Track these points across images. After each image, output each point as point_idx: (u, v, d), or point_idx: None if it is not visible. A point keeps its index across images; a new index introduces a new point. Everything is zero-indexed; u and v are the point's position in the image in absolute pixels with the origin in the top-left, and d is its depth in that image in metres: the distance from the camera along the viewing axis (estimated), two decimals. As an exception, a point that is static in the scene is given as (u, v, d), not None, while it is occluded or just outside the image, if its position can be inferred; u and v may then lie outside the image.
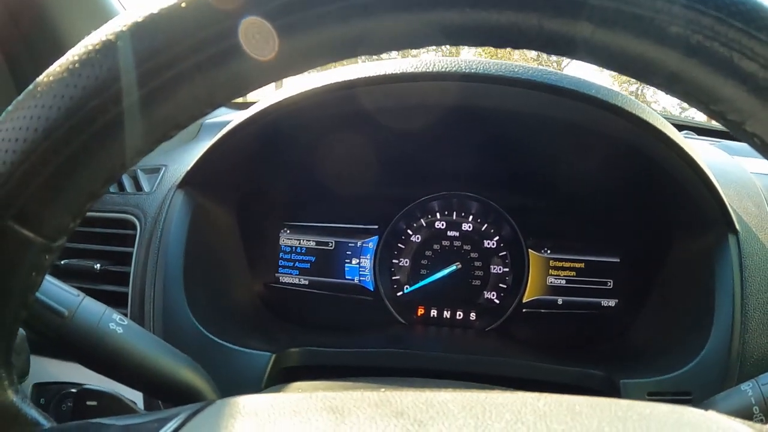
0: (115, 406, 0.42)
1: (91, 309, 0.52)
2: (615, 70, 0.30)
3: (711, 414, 0.32)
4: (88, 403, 0.42)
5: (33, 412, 0.35)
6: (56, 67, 0.30)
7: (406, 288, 1.04)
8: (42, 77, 0.30)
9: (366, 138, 0.88)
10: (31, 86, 0.30)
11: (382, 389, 0.33)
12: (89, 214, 0.92)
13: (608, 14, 0.27)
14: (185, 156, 0.96)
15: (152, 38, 0.28)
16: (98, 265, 0.86)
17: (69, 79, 0.29)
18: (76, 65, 0.29)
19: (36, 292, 0.33)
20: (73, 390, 0.76)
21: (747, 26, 0.26)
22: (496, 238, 1.04)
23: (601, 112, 0.71)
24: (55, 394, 0.77)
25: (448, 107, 0.78)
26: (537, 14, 0.28)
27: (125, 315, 0.81)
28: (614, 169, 0.87)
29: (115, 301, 0.80)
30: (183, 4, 0.28)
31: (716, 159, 0.97)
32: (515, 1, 0.27)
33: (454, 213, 1.05)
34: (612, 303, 1.00)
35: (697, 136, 1.29)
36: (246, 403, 0.32)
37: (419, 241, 1.05)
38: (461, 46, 0.32)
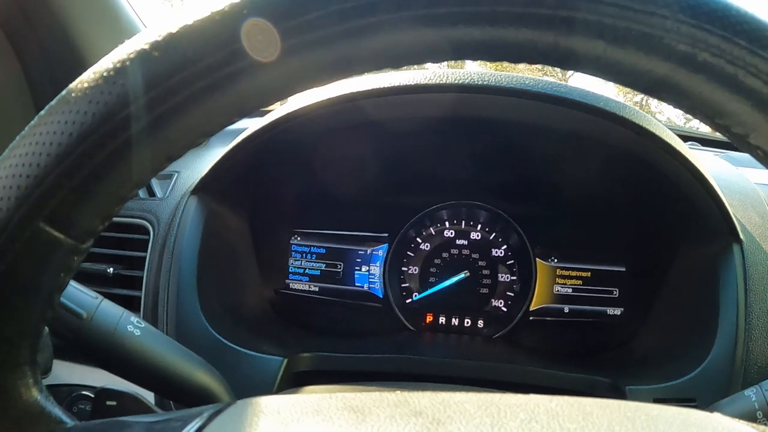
0: (134, 405, 0.43)
1: (109, 311, 0.53)
2: (625, 85, 0.32)
3: (717, 416, 0.32)
4: (108, 402, 0.42)
5: (57, 411, 0.36)
6: (90, 74, 0.31)
7: (415, 295, 1.05)
8: (76, 83, 0.31)
9: (375, 147, 0.89)
10: (64, 92, 0.31)
11: (398, 391, 0.34)
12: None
13: (620, 33, 0.28)
14: (197, 163, 0.97)
15: (186, 49, 0.29)
16: (111, 269, 0.87)
17: (104, 86, 0.30)
18: (111, 73, 0.30)
19: (62, 292, 0.34)
20: (86, 393, 0.78)
21: (751, 45, 0.28)
22: (504, 246, 1.04)
23: (607, 123, 0.72)
24: (66, 396, 0.78)
25: (457, 118, 0.79)
26: (553, 33, 0.29)
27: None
28: (620, 179, 0.88)
29: (128, 304, 0.81)
30: (216, 17, 0.29)
31: (721, 169, 0.97)
32: (533, 20, 0.29)
33: (463, 222, 1.06)
34: (618, 311, 1.00)
35: (701, 147, 1.29)
36: (267, 403, 0.33)
37: (428, 249, 1.05)
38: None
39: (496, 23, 0.29)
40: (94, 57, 0.92)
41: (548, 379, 0.83)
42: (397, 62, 0.31)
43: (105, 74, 0.30)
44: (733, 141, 0.32)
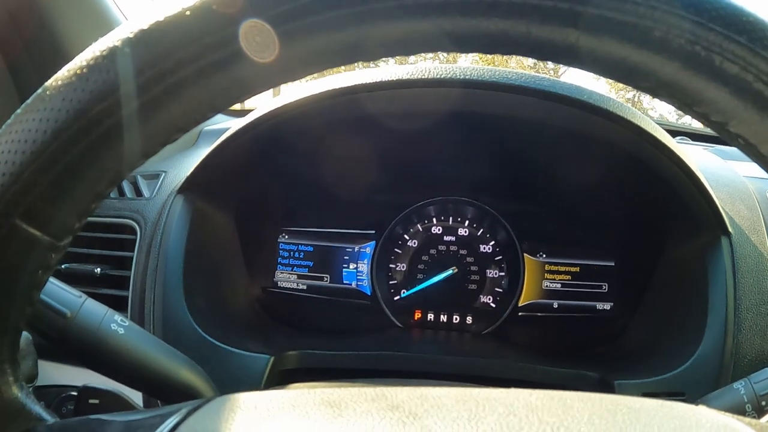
0: (116, 403, 0.43)
1: (93, 310, 0.53)
2: (601, 75, 0.31)
3: (701, 408, 0.32)
4: (90, 401, 0.42)
5: (37, 408, 0.36)
6: (65, 71, 0.31)
7: (403, 292, 1.05)
8: (50, 81, 0.31)
9: (363, 144, 0.89)
10: (39, 90, 0.31)
11: (378, 386, 0.34)
12: (90, 219, 0.93)
13: (593, 21, 0.28)
14: (184, 162, 0.97)
15: (156, 45, 0.29)
16: (99, 270, 0.87)
17: (77, 84, 0.30)
18: (84, 70, 0.30)
19: (41, 290, 0.34)
20: (74, 393, 0.77)
21: (727, 30, 0.27)
22: (492, 242, 1.05)
23: (594, 118, 0.72)
24: (55, 396, 0.78)
25: (445, 113, 0.79)
26: (525, 22, 0.29)
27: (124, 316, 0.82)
28: (608, 173, 0.88)
29: (116, 304, 0.81)
30: (187, 12, 0.29)
31: (710, 163, 0.98)
32: (504, 9, 0.29)
33: (450, 218, 1.06)
34: (607, 306, 1.01)
35: (691, 142, 1.30)
36: (245, 399, 0.33)
37: (416, 246, 1.06)
38: (457, 53, 0.33)
39: (467, 14, 0.29)
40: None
41: (537, 374, 0.83)
42: (371, 56, 0.31)
43: (78, 72, 0.30)
44: (713, 129, 0.31)
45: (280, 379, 0.78)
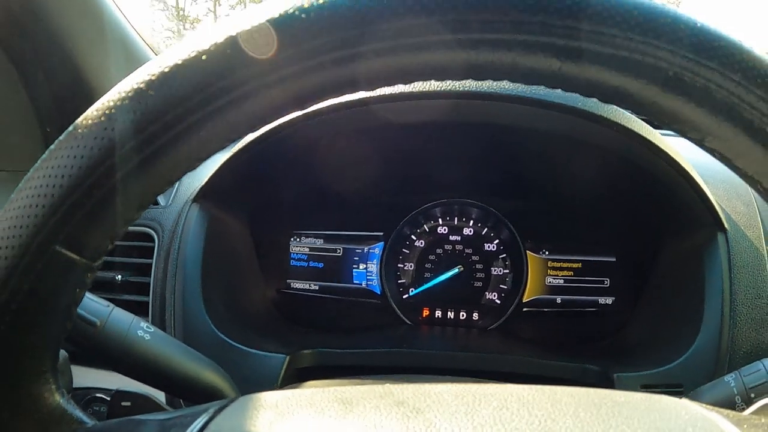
0: (147, 405, 0.47)
1: (120, 318, 0.57)
2: (585, 95, 0.34)
3: (684, 402, 0.34)
4: (123, 403, 0.46)
5: (78, 413, 0.40)
6: (94, 111, 0.34)
7: (411, 291, 1.09)
8: (81, 119, 0.35)
9: (371, 151, 0.93)
10: (71, 128, 0.35)
11: (386, 384, 0.37)
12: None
13: (572, 51, 0.31)
14: (198, 171, 0.99)
15: (179, 87, 0.33)
16: (119, 277, 0.91)
17: (107, 123, 0.33)
18: (113, 111, 0.34)
19: (79, 305, 0.38)
20: (100, 395, 0.82)
21: (697, 55, 0.30)
22: (496, 241, 1.08)
23: (588, 123, 0.75)
24: (82, 398, 0.82)
25: (447, 122, 0.82)
26: (513, 54, 0.32)
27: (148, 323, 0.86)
28: (606, 174, 0.90)
29: (137, 309, 0.85)
30: (204, 57, 0.33)
31: (706, 159, 0.98)
32: (491, 43, 0.32)
33: (456, 219, 1.09)
34: (609, 301, 1.03)
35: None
36: (266, 398, 0.37)
37: (423, 246, 1.09)
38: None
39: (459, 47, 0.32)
40: (99, 84, 0.93)
41: (539, 368, 0.86)
42: (369, 87, 0.35)
43: (107, 111, 0.34)
44: (693, 143, 0.34)
45: (296, 377, 0.82)
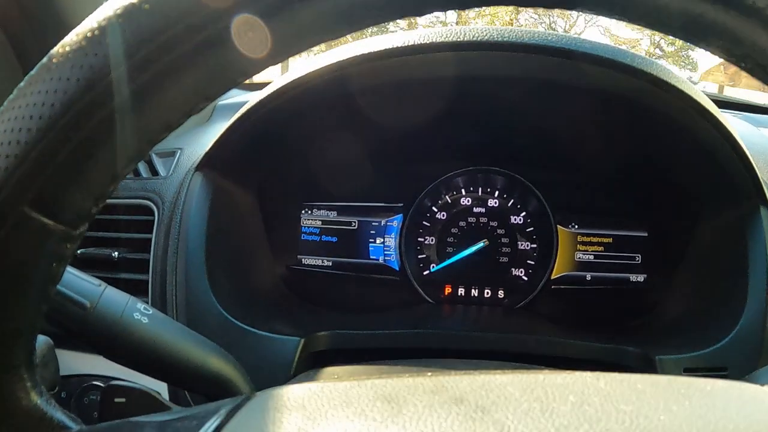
0: (144, 401, 0.40)
1: (113, 299, 0.49)
2: (619, 19, 0.29)
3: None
4: (116, 400, 0.39)
5: (59, 415, 0.33)
6: (73, 35, 0.27)
7: (433, 267, 1.02)
8: (57, 48, 0.27)
9: (387, 114, 0.85)
10: (45, 59, 0.27)
11: (429, 373, 0.32)
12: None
13: None
14: (200, 138, 0.94)
15: (173, 9, 0.25)
16: (116, 253, 0.84)
17: (88, 48, 0.26)
18: (96, 32, 0.26)
19: (57, 284, 0.30)
20: (96, 383, 0.75)
21: None
22: (523, 213, 1.01)
23: (638, 83, 0.68)
24: (76, 387, 0.75)
25: (470, 78, 0.75)
26: None
27: (147, 303, 0.79)
28: (646, 140, 0.84)
29: (135, 289, 0.78)
30: None
31: (744, 130, 0.95)
32: None
33: (480, 189, 1.02)
34: (641, 278, 0.98)
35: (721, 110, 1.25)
36: (291, 395, 0.31)
37: (445, 218, 1.02)
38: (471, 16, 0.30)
39: None
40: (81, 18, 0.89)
41: (576, 350, 0.80)
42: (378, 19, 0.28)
43: (89, 34, 0.26)
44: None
45: (311, 361, 0.75)
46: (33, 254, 0.28)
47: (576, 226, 1.00)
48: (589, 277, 1.00)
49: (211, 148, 0.79)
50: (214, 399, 0.57)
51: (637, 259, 0.99)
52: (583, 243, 1.00)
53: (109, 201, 0.88)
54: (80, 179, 0.28)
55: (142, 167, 0.92)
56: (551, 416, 0.26)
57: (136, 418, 0.34)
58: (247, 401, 0.32)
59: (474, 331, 0.85)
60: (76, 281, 0.48)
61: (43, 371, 0.45)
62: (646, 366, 0.73)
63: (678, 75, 0.70)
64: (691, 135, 0.73)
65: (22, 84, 0.28)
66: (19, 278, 0.28)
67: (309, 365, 0.74)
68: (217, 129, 0.79)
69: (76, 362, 0.76)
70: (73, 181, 0.28)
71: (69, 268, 0.48)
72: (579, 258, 1.00)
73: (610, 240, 0.99)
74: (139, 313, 0.49)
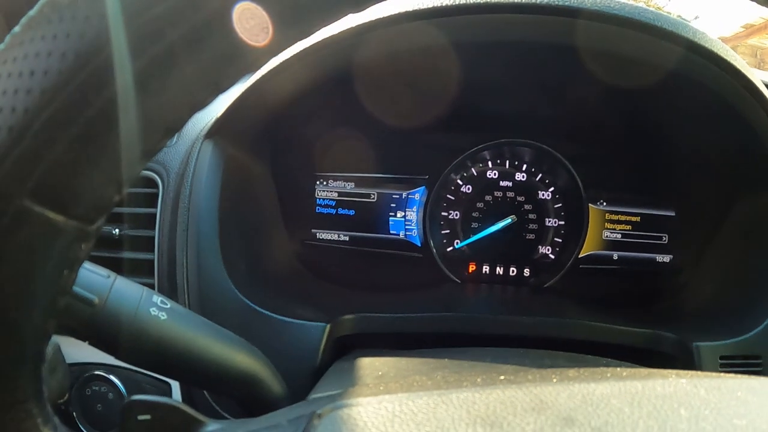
0: (173, 417, 0.33)
1: (125, 293, 0.42)
2: None
3: None
4: (140, 417, 0.33)
5: None
6: None
7: (457, 243, 0.95)
8: None
9: (410, 81, 0.78)
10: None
11: (502, 377, 0.31)
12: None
13: None
14: (208, 106, 0.85)
15: None
16: (117, 230, 0.76)
17: None
18: None
19: (66, 294, 0.23)
20: (99, 372, 0.68)
21: None
22: (551, 189, 0.95)
23: (672, 49, 0.63)
24: (77, 377, 0.68)
25: (500, 43, 0.69)
26: None
27: (152, 286, 0.72)
28: (687, 115, 0.78)
29: (139, 270, 0.71)
30: None
31: None
32: None
33: (507, 162, 0.95)
34: (667, 259, 0.95)
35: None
36: (367, 416, 0.26)
37: (470, 192, 0.95)
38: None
39: None
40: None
41: (611, 334, 0.75)
42: None
43: None
44: None
45: (336, 347, 0.69)
46: (37, 261, 0.21)
47: (604, 204, 0.95)
48: (616, 257, 0.95)
49: (223, 114, 0.71)
50: (241, 401, 0.50)
51: (664, 239, 0.94)
52: (611, 221, 0.95)
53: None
54: (99, 159, 0.21)
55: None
56: None
57: None
58: (311, 423, 0.26)
59: (504, 314, 0.80)
60: (81, 273, 0.41)
61: (50, 379, 0.38)
62: (684, 353, 0.70)
63: (730, 51, 0.65)
64: (739, 114, 0.68)
65: (17, 28, 0.20)
66: (21, 293, 0.21)
67: (335, 351, 0.68)
68: (226, 96, 0.71)
69: (78, 348, 0.70)
70: (92, 161, 0.21)
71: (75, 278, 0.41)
72: (607, 236, 0.95)
73: (638, 219, 0.95)
74: (156, 308, 0.43)
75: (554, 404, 0.26)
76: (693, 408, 0.27)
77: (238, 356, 0.47)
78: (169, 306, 0.44)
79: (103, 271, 0.42)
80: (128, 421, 0.33)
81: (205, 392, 0.64)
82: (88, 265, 0.42)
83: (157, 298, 0.44)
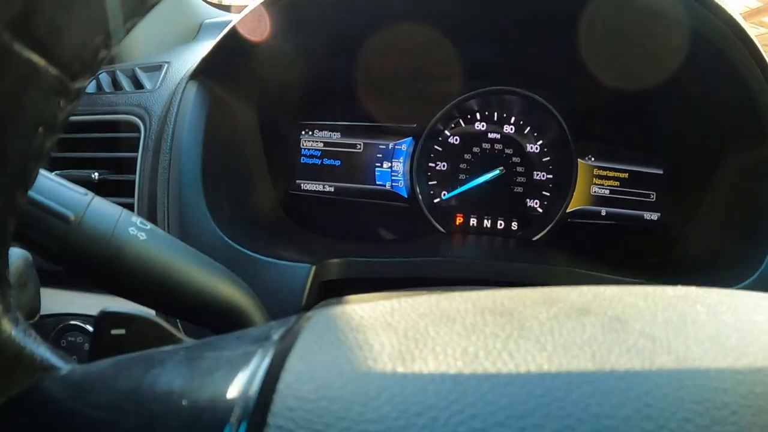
0: (150, 331, 0.32)
1: (103, 211, 0.41)
2: None
3: None
4: (113, 331, 0.31)
5: (44, 351, 0.25)
6: None
7: (444, 194, 0.94)
8: None
9: (397, 25, 0.76)
10: None
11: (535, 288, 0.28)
12: (82, 117, 0.79)
13: None
14: (188, 53, 0.85)
15: None
16: (96, 174, 0.75)
17: None
18: None
19: (43, 163, 0.22)
20: (75, 322, 0.66)
21: None
22: (540, 142, 0.93)
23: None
24: (52, 328, 0.67)
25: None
26: None
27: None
28: (671, 62, 0.76)
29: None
30: None
31: None
32: None
33: (496, 113, 0.93)
34: (654, 216, 0.94)
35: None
36: (364, 313, 0.25)
37: (458, 143, 0.94)
38: None
39: None
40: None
41: (603, 283, 0.74)
42: None
43: None
44: None
45: (321, 291, 0.68)
46: (12, 107, 0.20)
47: (593, 159, 0.93)
48: (604, 213, 0.95)
49: (209, 53, 0.70)
50: (221, 333, 0.49)
51: (652, 197, 0.94)
52: (599, 177, 0.94)
53: (86, 117, 0.78)
54: None
55: (124, 81, 0.82)
56: (695, 327, 0.23)
57: (146, 353, 0.26)
58: (304, 322, 0.24)
59: (498, 260, 0.79)
60: (57, 188, 0.39)
61: (19, 295, 0.37)
62: None
63: None
64: (731, 66, 0.67)
65: None
66: None
67: (319, 296, 0.67)
68: (206, 44, 0.71)
69: (51, 299, 0.68)
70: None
71: (47, 174, 0.40)
72: (595, 192, 0.94)
73: (626, 176, 0.94)
74: (135, 227, 0.41)
75: (566, 299, 0.25)
76: (709, 305, 0.25)
77: (221, 285, 0.45)
78: (148, 227, 0.42)
79: (82, 189, 0.41)
80: (102, 336, 0.32)
81: (178, 322, 0.62)
82: (66, 182, 0.40)
83: (137, 219, 0.42)
